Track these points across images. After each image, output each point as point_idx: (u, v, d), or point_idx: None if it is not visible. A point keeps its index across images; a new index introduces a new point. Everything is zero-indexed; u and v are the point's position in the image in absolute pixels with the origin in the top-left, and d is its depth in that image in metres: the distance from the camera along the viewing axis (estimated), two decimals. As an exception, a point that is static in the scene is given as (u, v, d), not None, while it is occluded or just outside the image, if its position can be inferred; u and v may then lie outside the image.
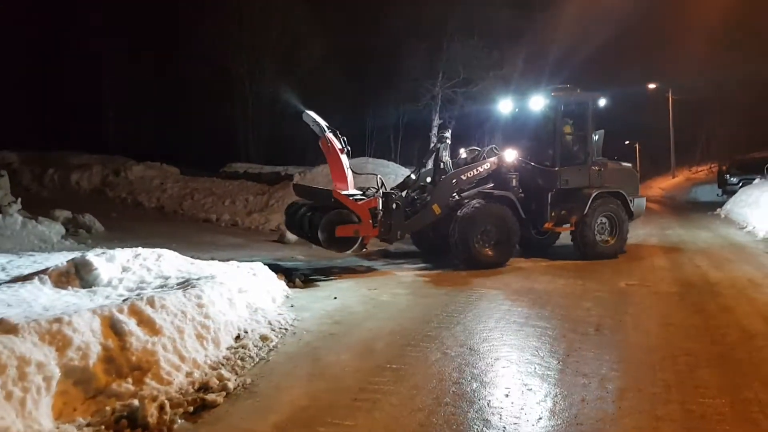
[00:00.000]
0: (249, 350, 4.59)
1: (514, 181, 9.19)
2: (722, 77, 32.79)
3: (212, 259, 7.59)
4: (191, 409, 3.61)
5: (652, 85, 37.19)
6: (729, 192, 20.34)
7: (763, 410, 3.56)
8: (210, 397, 3.71)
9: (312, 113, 8.53)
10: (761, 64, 29.33)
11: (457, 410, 3.62)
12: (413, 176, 9.47)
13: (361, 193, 8.37)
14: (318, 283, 7.59)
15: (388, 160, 20.01)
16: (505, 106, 10.54)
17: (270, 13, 24.76)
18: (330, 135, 8.29)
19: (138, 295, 4.81)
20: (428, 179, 9.21)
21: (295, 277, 7.57)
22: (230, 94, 26.34)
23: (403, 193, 8.88)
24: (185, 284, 5.14)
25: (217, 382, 3.91)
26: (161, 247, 6.58)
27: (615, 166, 10.04)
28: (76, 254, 5.97)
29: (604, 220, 9.44)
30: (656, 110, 38.96)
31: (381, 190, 8.42)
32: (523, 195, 9.19)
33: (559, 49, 22.10)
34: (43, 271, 5.57)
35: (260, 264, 6.78)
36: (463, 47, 22.97)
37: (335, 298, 6.64)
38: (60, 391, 3.47)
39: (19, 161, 18.43)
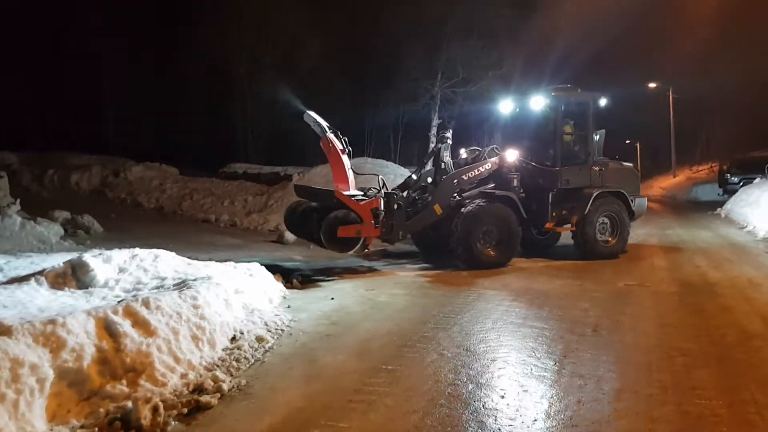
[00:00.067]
0: (244, 351, 4.58)
1: (515, 181, 9.18)
2: (723, 77, 32.75)
3: (210, 259, 7.57)
4: (185, 410, 3.60)
5: (652, 85, 37.14)
6: (730, 191, 20.30)
7: (760, 411, 3.55)
8: (204, 398, 3.70)
9: (313, 114, 8.52)
10: (761, 63, 29.30)
11: (452, 412, 3.61)
12: (414, 176, 9.46)
13: (362, 193, 8.36)
14: (316, 283, 7.57)
15: (388, 161, 19.99)
16: (505, 106, 10.52)
17: (269, 13, 24.75)
18: (331, 135, 8.28)
19: (134, 296, 4.80)
20: (429, 179, 9.20)
21: (293, 277, 7.56)
22: (230, 94, 26.35)
23: (405, 194, 8.87)
24: (181, 285, 5.13)
25: (212, 383, 3.90)
26: (160, 248, 6.57)
27: (616, 166, 10.02)
28: (74, 255, 5.96)
29: (605, 220, 9.43)
30: (657, 109, 38.94)
31: (382, 191, 8.41)
32: (524, 195, 9.18)
33: (559, 49, 22.06)
34: (40, 272, 5.57)
35: (257, 265, 6.77)
36: (462, 47, 22.96)
37: (332, 298, 6.62)
38: (54, 392, 3.46)
39: (18, 162, 18.45)
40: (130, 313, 4.17)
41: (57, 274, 5.50)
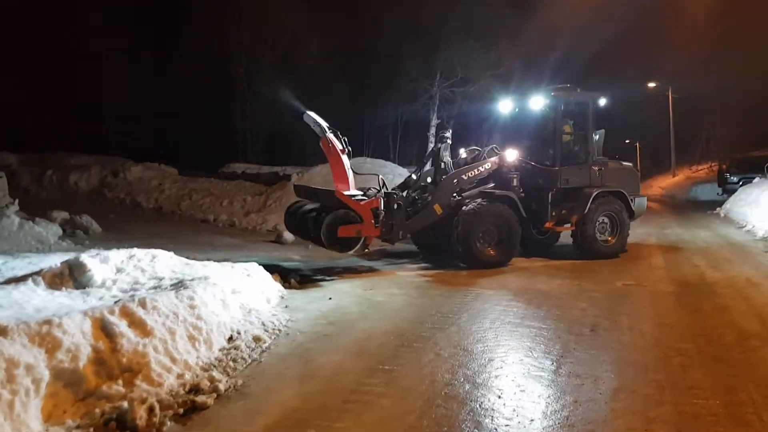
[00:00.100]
0: (241, 351, 4.57)
1: (515, 180, 9.17)
2: (723, 76, 32.74)
3: (208, 259, 7.57)
4: (181, 411, 3.59)
5: (651, 84, 37.14)
6: (729, 191, 20.29)
7: (757, 411, 3.54)
8: (200, 399, 3.69)
9: (313, 114, 8.51)
10: (761, 63, 29.30)
11: (448, 412, 3.60)
12: (414, 176, 9.47)
13: (361, 193, 8.36)
14: (314, 283, 7.57)
15: (387, 161, 19.98)
16: (505, 106, 10.53)
17: (268, 13, 24.75)
18: (331, 135, 8.28)
19: (131, 296, 4.80)
20: (429, 179, 9.20)
21: (291, 277, 7.55)
22: (229, 94, 26.35)
23: (404, 193, 8.87)
24: (178, 285, 5.12)
25: (208, 383, 3.89)
26: (158, 248, 6.58)
27: (616, 166, 10.02)
28: (71, 255, 5.96)
29: (605, 219, 9.43)
30: (657, 109, 38.93)
31: (382, 190, 8.41)
32: (523, 195, 9.18)
33: (559, 49, 22.07)
34: (37, 273, 5.56)
35: (255, 264, 6.76)
36: (461, 47, 22.95)
37: (330, 298, 6.62)
38: (49, 393, 3.46)
39: (18, 162, 18.44)
40: (126, 314, 4.17)
41: (54, 275, 5.50)
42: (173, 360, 4.06)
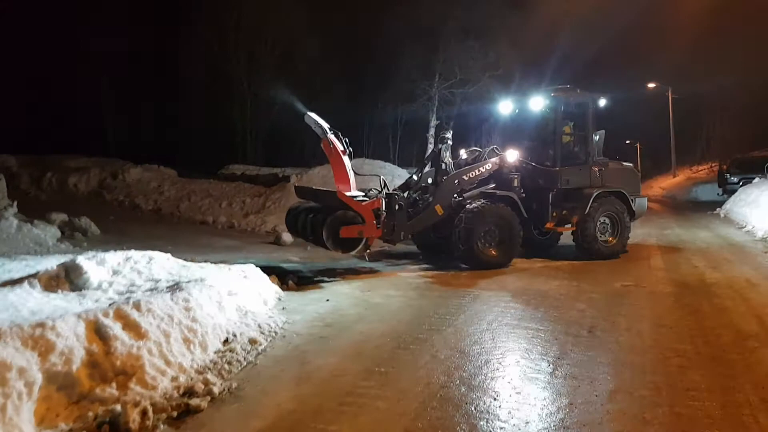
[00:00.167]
0: (237, 354, 4.55)
1: (515, 181, 9.17)
2: (723, 77, 32.73)
3: (205, 261, 7.58)
4: (175, 414, 3.57)
5: (651, 85, 37.13)
6: (729, 191, 20.28)
7: (754, 413, 3.52)
8: (194, 402, 3.67)
9: (314, 115, 8.50)
10: (762, 63, 29.27)
11: (444, 414, 3.58)
12: (415, 177, 9.47)
13: (363, 194, 8.36)
14: (312, 285, 7.55)
15: (387, 162, 19.99)
16: (505, 106, 10.53)
17: (268, 13, 24.76)
18: (332, 136, 8.27)
19: (127, 298, 4.78)
20: (430, 180, 9.20)
21: (288, 279, 7.53)
22: (229, 95, 26.36)
23: (405, 194, 8.88)
24: (174, 287, 5.10)
25: (203, 386, 3.88)
26: (157, 250, 6.58)
27: (616, 166, 10.02)
28: (68, 258, 5.95)
29: (606, 219, 9.43)
30: (657, 110, 38.92)
31: (384, 191, 8.40)
32: (524, 195, 9.17)
33: (559, 50, 22.07)
34: (33, 275, 5.53)
35: (252, 266, 6.74)
36: (460, 48, 22.94)
37: (328, 300, 6.60)
38: (42, 396, 3.44)
39: (17, 165, 18.44)
40: (120, 316, 4.15)
41: (50, 277, 5.47)
42: (168, 363, 4.04)
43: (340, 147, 8.28)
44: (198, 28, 24.66)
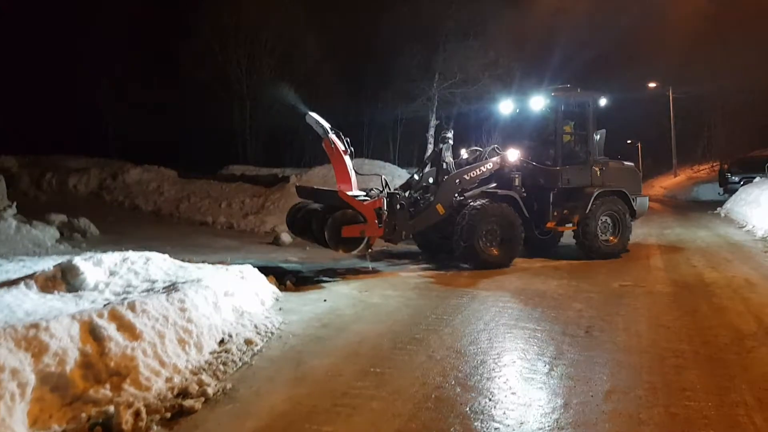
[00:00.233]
0: (232, 354, 4.54)
1: (516, 180, 9.17)
2: (724, 76, 32.64)
3: (203, 261, 7.58)
4: (169, 415, 3.56)
5: (652, 84, 37.07)
6: (730, 191, 20.24)
7: (749, 413, 3.50)
8: (188, 403, 3.66)
9: (315, 115, 8.50)
10: (763, 62, 29.20)
11: (438, 415, 3.57)
12: (416, 177, 9.47)
13: (364, 194, 8.35)
14: (310, 285, 7.54)
15: (387, 162, 19.99)
16: (505, 106, 10.53)
17: (267, 13, 24.77)
18: (333, 136, 8.27)
19: (123, 299, 4.78)
20: (431, 180, 9.20)
21: (286, 279, 7.52)
22: (229, 95, 26.36)
23: (407, 194, 8.88)
24: (170, 288, 5.10)
25: (197, 387, 3.87)
26: (156, 251, 6.57)
27: (617, 165, 10.01)
28: (65, 258, 5.95)
29: (607, 219, 9.42)
30: (658, 110, 38.85)
31: (385, 191, 8.40)
32: (525, 195, 9.17)
33: (559, 50, 22.04)
34: (30, 276, 5.53)
35: (249, 266, 6.73)
36: (459, 48, 22.92)
37: (325, 300, 6.59)
38: (36, 397, 3.43)
39: (17, 165, 18.43)
40: (115, 317, 4.14)
41: (47, 278, 5.47)
42: (162, 363, 4.03)
43: (341, 147, 8.27)
44: (198, 28, 24.66)
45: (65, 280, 5.52)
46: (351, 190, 8.19)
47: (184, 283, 5.32)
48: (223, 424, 3.52)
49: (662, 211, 19.99)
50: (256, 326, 5.28)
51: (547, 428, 3.39)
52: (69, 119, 25.26)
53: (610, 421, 3.46)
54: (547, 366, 4.38)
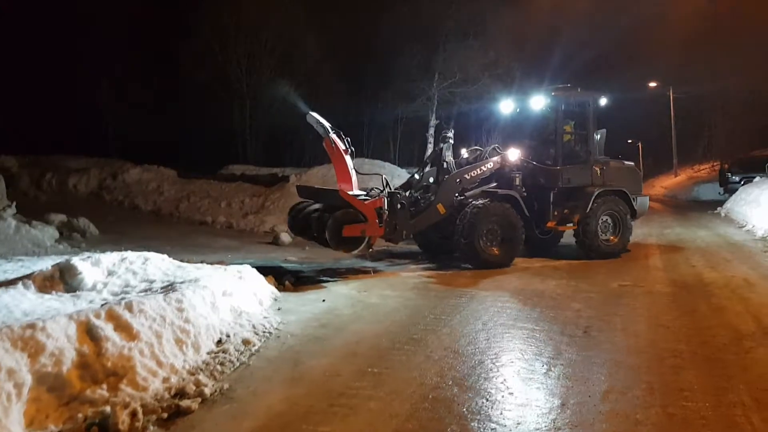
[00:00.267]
0: (230, 355, 4.53)
1: (517, 180, 9.17)
2: (725, 76, 32.62)
3: (202, 261, 7.58)
4: (165, 415, 3.56)
5: (652, 84, 37.04)
6: (731, 190, 20.22)
7: (746, 413, 3.50)
8: (185, 403, 3.66)
9: (316, 114, 8.50)
10: (763, 61, 29.17)
11: (435, 415, 3.57)
12: (417, 176, 9.47)
13: (365, 193, 8.35)
14: (309, 285, 7.53)
15: (387, 161, 19.97)
16: (506, 106, 10.53)
17: (267, 13, 24.76)
18: (334, 136, 8.27)
19: (121, 299, 4.77)
20: (431, 179, 9.20)
21: (285, 279, 7.52)
22: (229, 94, 26.36)
23: (407, 193, 8.88)
24: (168, 288, 5.09)
25: (194, 387, 3.86)
26: (155, 250, 6.58)
27: (617, 165, 10.02)
28: (63, 258, 5.95)
29: (607, 218, 9.42)
30: (659, 109, 38.83)
31: (386, 190, 8.40)
32: (525, 194, 9.16)
33: (559, 49, 22.02)
34: (28, 276, 5.54)
35: (248, 267, 6.72)
36: (459, 48, 22.89)
37: (324, 300, 6.58)
38: (32, 398, 3.43)
39: (17, 165, 18.44)
40: (112, 317, 4.13)
41: (45, 278, 5.47)
42: (159, 364, 4.03)
43: (342, 146, 8.27)
44: (198, 28, 24.66)
45: (63, 280, 5.53)
46: (352, 189, 8.19)
47: (182, 283, 5.31)
48: (220, 424, 3.51)
49: (662, 210, 19.98)
50: (254, 326, 5.28)
51: (543, 428, 3.38)
52: (69, 119, 25.24)
53: (607, 421, 3.45)
54: (545, 366, 4.38)
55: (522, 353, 4.68)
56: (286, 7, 24.93)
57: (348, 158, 8.31)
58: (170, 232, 12.57)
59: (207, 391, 3.85)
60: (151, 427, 3.43)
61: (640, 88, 35.24)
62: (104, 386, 3.72)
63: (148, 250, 6.51)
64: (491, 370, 4.33)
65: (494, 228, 8.60)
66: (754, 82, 30.68)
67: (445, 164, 9.15)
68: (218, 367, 4.32)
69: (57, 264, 5.65)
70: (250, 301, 5.92)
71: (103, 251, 6.40)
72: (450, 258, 9.01)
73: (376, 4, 23.61)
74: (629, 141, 45.98)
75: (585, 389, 3.93)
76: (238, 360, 4.51)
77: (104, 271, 5.76)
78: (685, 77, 35.16)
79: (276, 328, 5.39)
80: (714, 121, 38.33)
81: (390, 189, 8.54)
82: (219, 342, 4.76)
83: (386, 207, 8.06)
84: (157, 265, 6.16)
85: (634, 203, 9.66)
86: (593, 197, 9.12)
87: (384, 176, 9.00)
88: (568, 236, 9.91)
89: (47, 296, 5.18)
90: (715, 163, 33.21)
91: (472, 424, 3.46)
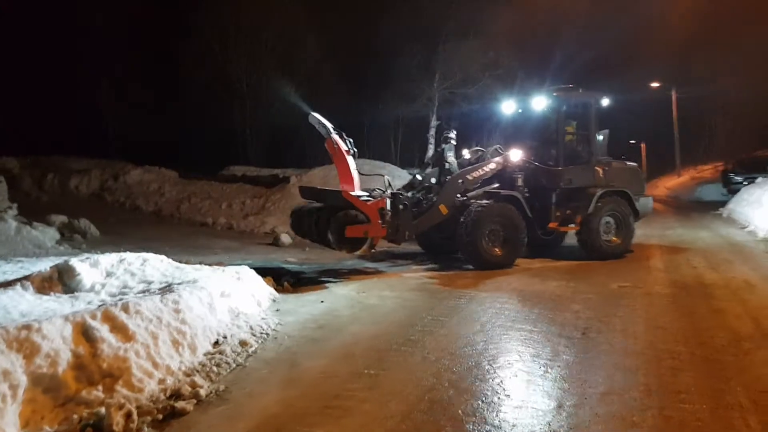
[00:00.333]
0: (226, 356, 4.53)
1: (519, 180, 9.16)
2: (728, 77, 32.53)
3: (201, 262, 7.58)
4: (160, 417, 3.56)
5: (655, 85, 36.95)
6: (734, 191, 20.14)
7: (744, 415, 3.48)
8: (180, 404, 3.66)
9: (317, 115, 8.50)
10: (766, 62, 29.09)
11: (430, 417, 3.55)
12: (419, 177, 9.46)
13: (367, 194, 8.35)
14: (308, 286, 7.53)
15: (388, 162, 19.96)
16: (507, 106, 10.51)
17: (267, 13, 24.77)
18: (336, 137, 8.27)
19: (119, 300, 4.78)
20: (433, 180, 9.19)
21: (284, 280, 7.52)
22: (229, 95, 26.38)
23: (410, 194, 8.88)
24: (166, 289, 5.09)
25: (190, 389, 3.86)
26: (155, 251, 6.59)
27: (620, 166, 9.99)
28: (62, 260, 5.95)
29: (610, 219, 9.39)
30: (661, 110, 38.72)
31: (388, 191, 8.40)
32: (527, 195, 9.15)
33: (561, 50, 21.97)
34: (26, 277, 5.55)
35: (246, 268, 6.72)
36: (460, 48, 22.86)
37: (322, 301, 6.58)
38: (28, 399, 3.43)
39: (19, 167, 18.49)
40: (108, 318, 4.13)
41: (43, 279, 5.49)
42: (155, 365, 4.02)
43: (343, 147, 8.27)
44: (198, 28, 24.69)
45: (62, 281, 5.54)
46: (354, 190, 8.19)
47: (179, 284, 5.32)
48: (215, 425, 3.51)
49: (664, 211, 19.91)
50: (251, 327, 5.28)
51: (539, 430, 3.37)
52: (69, 120, 25.26)
53: (603, 423, 3.44)
54: (542, 368, 4.36)
55: (519, 355, 4.67)
56: (287, 7, 24.92)
57: (350, 159, 8.31)
58: (171, 234, 12.57)
59: (202, 392, 3.85)
60: (146, 429, 3.43)
61: (641, 89, 35.13)
62: (100, 387, 3.72)
63: (148, 252, 6.52)
64: (488, 371, 4.31)
65: (497, 228, 8.59)
66: (754, 82, 30.57)
67: (447, 165, 9.14)
68: (214, 368, 4.31)
69: (55, 265, 5.67)
70: (248, 302, 5.92)
71: (104, 252, 6.40)
72: (451, 259, 9.00)
73: (376, 4, 23.58)
74: (632, 142, 45.84)
75: (582, 391, 3.91)
76: (234, 361, 4.51)
77: (103, 272, 5.77)
78: (686, 78, 35.08)
79: (273, 330, 5.39)
80: (714, 121, 38.25)
81: (392, 189, 8.54)
82: (216, 343, 4.76)
83: (389, 207, 8.06)
84: (156, 266, 6.17)
85: (636, 204, 9.63)
86: (596, 198, 9.10)
87: (386, 177, 9.00)
88: (571, 237, 9.89)
89: (45, 297, 5.20)
90: (718, 164, 33.09)
91: (468, 425, 3.45)
